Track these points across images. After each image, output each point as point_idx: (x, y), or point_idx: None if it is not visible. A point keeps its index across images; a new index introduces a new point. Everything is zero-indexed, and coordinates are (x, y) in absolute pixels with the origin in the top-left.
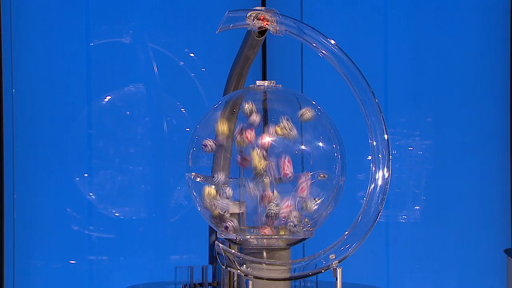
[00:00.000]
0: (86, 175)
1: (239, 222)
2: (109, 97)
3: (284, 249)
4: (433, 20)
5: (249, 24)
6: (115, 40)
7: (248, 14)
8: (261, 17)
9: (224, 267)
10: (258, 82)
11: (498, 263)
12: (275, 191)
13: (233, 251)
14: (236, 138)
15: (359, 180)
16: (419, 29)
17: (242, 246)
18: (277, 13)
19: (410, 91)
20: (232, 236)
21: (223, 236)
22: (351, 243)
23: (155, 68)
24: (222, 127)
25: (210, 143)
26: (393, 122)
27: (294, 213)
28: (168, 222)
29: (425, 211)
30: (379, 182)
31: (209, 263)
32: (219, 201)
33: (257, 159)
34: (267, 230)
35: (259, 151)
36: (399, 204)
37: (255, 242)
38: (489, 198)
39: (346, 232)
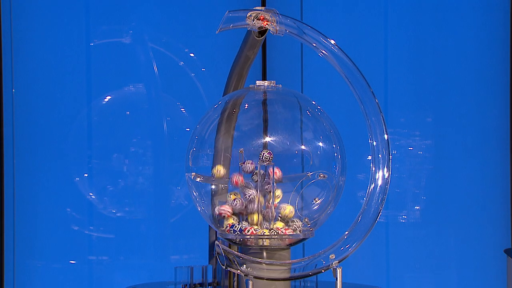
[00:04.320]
0: (86, 175)
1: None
2: (109, 97)
3: (284, 249)
4: (433, 20)
5: (249, 24)
6: (115, 40)
7: (248, 14)
8: (261, 17)
9: (224, 267)
10: (258, 82)
11: (498, 263)
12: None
13: (233, 251)
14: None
15: (359, 180)
16: (419, 29)
17: (242, 246)
18: (277, 13)
19: (410, 91)
20: (232, 236)
21: (223, 236)
22: (351, 243)
23: (155, 68)
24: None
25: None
26: (393, 122)
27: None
28: (168, 222)
29: (425, 211)
30: (379, 182)
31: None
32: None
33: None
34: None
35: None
36: (399, 204)
37: (256, 242)
38: (489, 198)
39: (346, 232)
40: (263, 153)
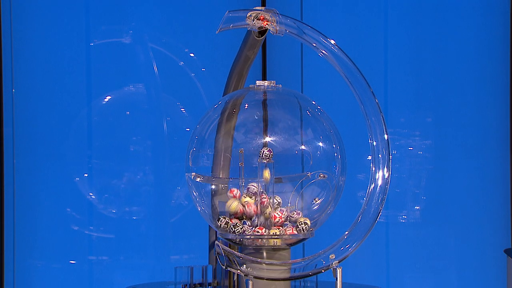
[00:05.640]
0: (86, 175)
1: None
2: (109, 97)
3: (284, 249)
4: (433, 20)
5: (249, 24)
6: (115, 40)
7: (248, 14)
8: (261, 17)
9: (224, 267)
10: (258, 82)
11: (498, 263)
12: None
13: (233, 251)
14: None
15: (359, 180)
16: (419, 29)
17: (242, 246)
18: (277, 13)
19: (410, 91)
20: (232, 236)
21: (223, 236)
22: (351, 243)
23: (155, 68)
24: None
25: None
26: (393, 122)
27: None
28: (168, 222)
29: (425, 211)
30: (379, 182)
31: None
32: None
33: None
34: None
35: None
36: (399, 204)
37: (256, 243)
38: (489, 198)
39: (346, 232)
40: (263, 151)
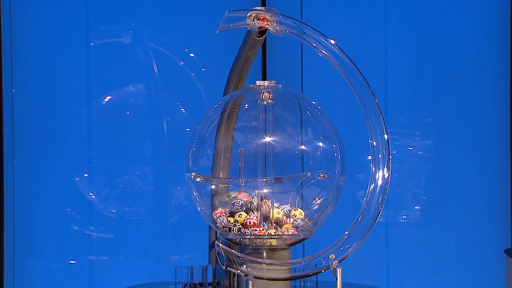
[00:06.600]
0: (86, 175)
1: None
2: (109, 97)
3: (284, 249)
4: (433, 20)
5: (249, 24)
6: (115, 40)
7: (248, 14)
8: (261, 17)
9: (224, 267)
10: (258, 82)
11: (498, 263)
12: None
13: (233, 251)
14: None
15: (359, 180)
16: (419, 29)
17: (242, 246)
18: (277, 13)
19: (410, 91)
20: (232, 236)
21: (223, 236)
22: (351, 243)
23: (155, 68)
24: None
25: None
26: (393, 122)
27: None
28: (168, 222)
29: (425, 211)
30: (379, 182)
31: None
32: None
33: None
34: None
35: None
36: (399, 204)
37: (256, 243)
38: (489, 198)
39: (346, 232)
40: (263, 93)
